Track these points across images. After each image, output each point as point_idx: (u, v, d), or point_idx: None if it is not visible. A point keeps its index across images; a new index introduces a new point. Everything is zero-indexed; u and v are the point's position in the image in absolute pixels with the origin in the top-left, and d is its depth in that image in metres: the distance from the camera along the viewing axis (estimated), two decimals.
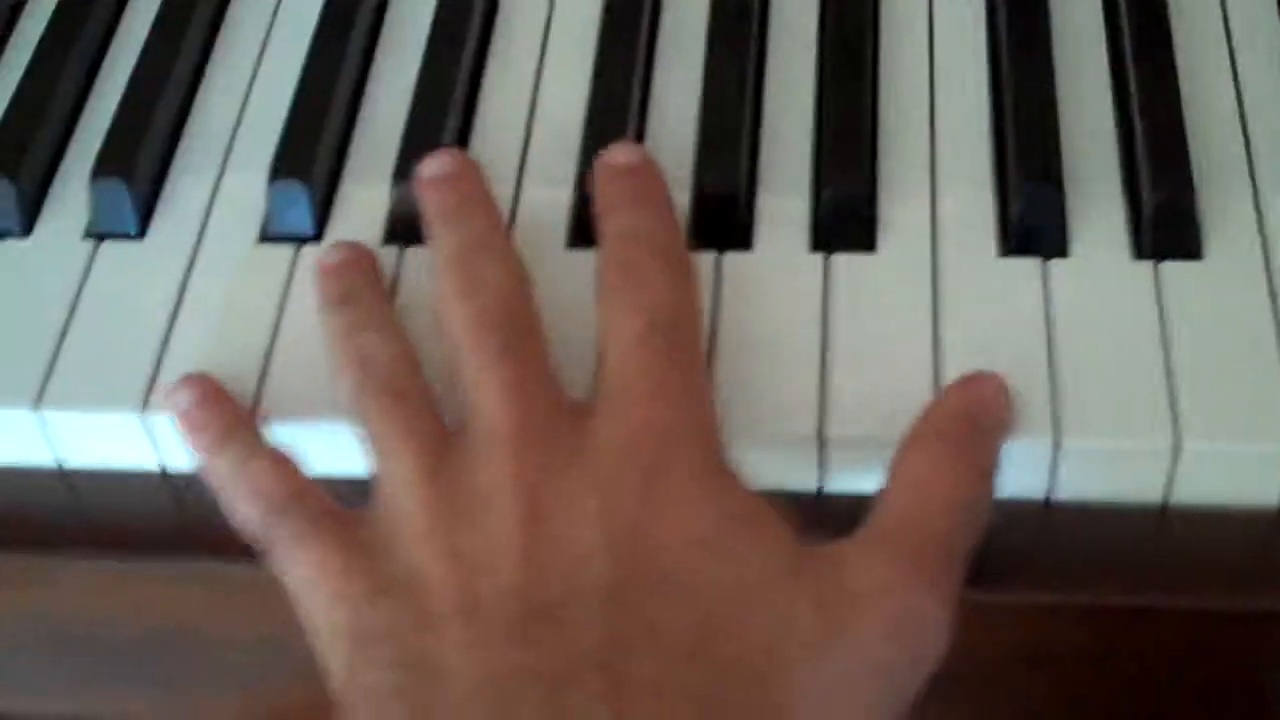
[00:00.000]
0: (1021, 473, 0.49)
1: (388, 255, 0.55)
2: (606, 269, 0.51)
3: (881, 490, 0.47)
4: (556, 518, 0.45)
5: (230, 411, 0.51)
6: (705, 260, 0.54)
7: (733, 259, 0.54)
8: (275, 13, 0.64)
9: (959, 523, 0.46)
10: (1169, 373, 0.50)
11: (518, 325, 0.49)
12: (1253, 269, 0.53)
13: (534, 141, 0.59)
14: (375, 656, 0.44)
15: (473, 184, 0.54)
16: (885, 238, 0.54)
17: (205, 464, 0.50)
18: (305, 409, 0.52)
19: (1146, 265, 0.53)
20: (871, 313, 0.52)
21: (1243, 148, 0.56)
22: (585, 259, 0.53)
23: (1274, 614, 0.49)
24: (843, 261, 0.54)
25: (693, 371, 0.48)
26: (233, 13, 0.64)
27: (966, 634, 0.45)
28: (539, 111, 0.60)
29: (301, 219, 0.56)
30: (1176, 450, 0.49)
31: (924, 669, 0.45)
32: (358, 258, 0.54)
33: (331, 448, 0.51)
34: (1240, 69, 0.58)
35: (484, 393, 0.48)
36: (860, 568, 0.45)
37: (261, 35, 0.63)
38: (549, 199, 0.57)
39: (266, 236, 0.57)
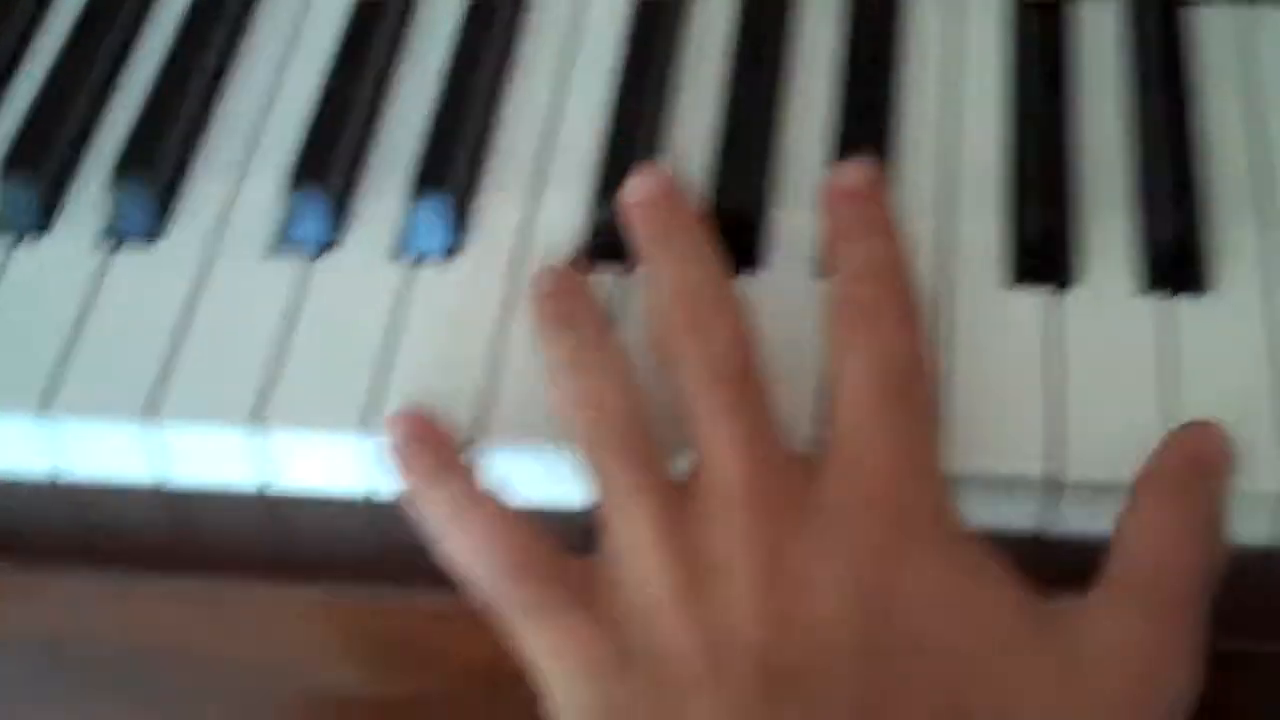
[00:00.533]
0: None
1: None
2: (841, 308, 0.50)
3: (1115, 542, 0.46)
4: (797, 580, 0.44)
5: (444, 447, 0.50)
6: None
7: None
8: (300, 18, 0.64)
9: (1199, 575, 0.45)
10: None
11: (748, 376, 0.48)
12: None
13: (554, 154, 0.59)
14: None
15: (684, 209, 0.53)
16: None
17: (417, 504, 0.49)
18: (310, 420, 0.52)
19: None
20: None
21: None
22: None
23: None
24: None
25: (927, 421, 0.48)
26: (257, 16, 0.65)
27: None
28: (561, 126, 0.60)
29: (319, 227, 0.56)
30: None
31: (1181, 706, 0.44)
32: (577, 281, 0.53)
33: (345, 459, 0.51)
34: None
35: (715, 447, 0.47)
36: (1103, 625, 0.44)
37: (283, 44, 0.63)
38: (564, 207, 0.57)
39: (283, 243, 0.57)
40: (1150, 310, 0.52)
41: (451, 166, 0.57)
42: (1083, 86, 0.59)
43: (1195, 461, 0.48)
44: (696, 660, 0.43)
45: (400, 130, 0.60)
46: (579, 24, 0.63)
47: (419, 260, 0.56)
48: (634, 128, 0.58)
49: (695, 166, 0.57)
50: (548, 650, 0.46)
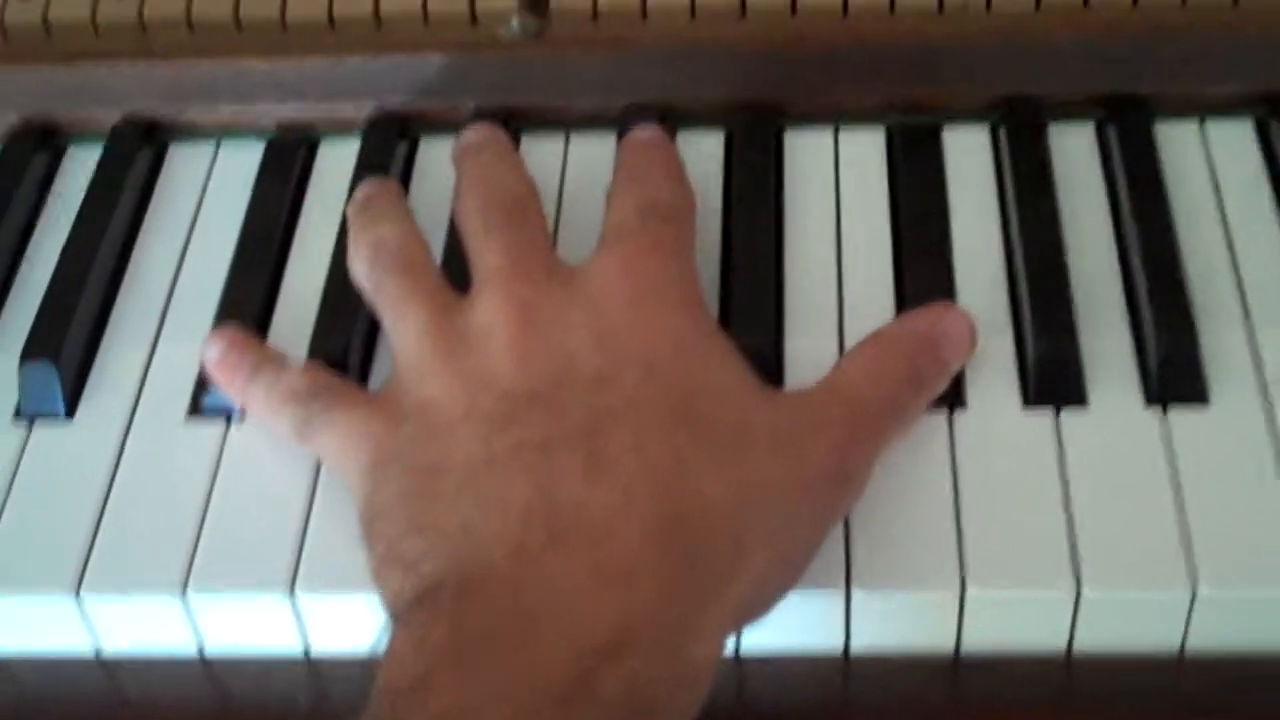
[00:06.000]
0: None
1: None
2: (615, 176, 0.56)
3: (847, 357, 0.52)
4: (546, 324, 0.50)
5: (258, 350, 0.54)
6: None
7: None
8: (203, 189, 0.63)
9: (895, 416, 0.51)
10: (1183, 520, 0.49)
11: (520, 205, 0.54)
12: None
13: None
14: (390, 473, 0.48)
15: (499, 141, 0.58)
16: None
17: (243, 399, 0.54)
18: (242, 582, 0.50)
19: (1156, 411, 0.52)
20: None
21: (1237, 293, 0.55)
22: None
23: None
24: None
25: (682, 245, 0.53)
26: (161, 189, 0.63)
27: None
28: None
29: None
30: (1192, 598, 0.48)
31: (845, 505, 0.49)
32: (384, 186, 0.58)
33: (266, 618, 0.50)
34: (1229, 218, 0.57)
35: (485, 254, 0.52)
36: (813, 408, 0.50)
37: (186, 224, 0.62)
38: None
39: (196, 411, 0.55)
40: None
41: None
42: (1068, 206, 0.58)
43: (935, 340, 0.52)
44: (458, 406, 0.48)
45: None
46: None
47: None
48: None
49: None
50: (339, 440, 0.50)
